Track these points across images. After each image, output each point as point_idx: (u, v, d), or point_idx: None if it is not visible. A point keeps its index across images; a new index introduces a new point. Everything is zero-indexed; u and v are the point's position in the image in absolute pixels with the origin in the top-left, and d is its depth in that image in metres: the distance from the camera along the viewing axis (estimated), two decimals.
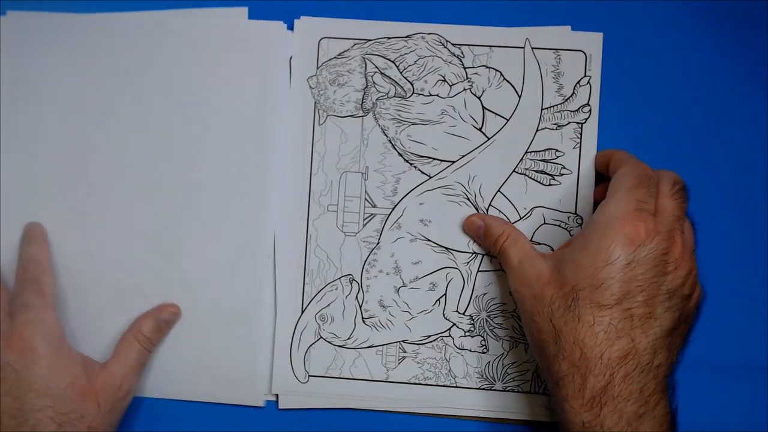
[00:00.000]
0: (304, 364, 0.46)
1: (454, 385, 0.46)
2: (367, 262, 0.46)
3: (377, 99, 0.46)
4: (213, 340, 0.46)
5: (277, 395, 0.46)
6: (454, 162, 0.46)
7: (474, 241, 0.45)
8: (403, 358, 0.46)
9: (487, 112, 0.46)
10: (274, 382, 0.46)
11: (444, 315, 0.46)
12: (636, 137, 0.46)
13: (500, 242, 0.43)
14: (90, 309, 0.46)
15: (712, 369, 0.45)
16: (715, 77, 0.46)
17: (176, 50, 0.47)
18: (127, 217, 0.47)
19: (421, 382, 0.46)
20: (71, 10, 0.47)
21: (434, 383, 0.46)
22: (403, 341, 0.46)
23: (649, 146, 0.46)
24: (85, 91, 0.47)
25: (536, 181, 0.46)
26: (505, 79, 0.46)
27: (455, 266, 0.46)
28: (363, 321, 0.46)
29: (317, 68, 0.46)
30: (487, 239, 0.44)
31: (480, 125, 0.46)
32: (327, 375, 0.46)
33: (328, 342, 0.46)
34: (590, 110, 0.45)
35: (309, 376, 0.46)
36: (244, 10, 0.47)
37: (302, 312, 0.46)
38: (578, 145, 0.46)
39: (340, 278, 0.46)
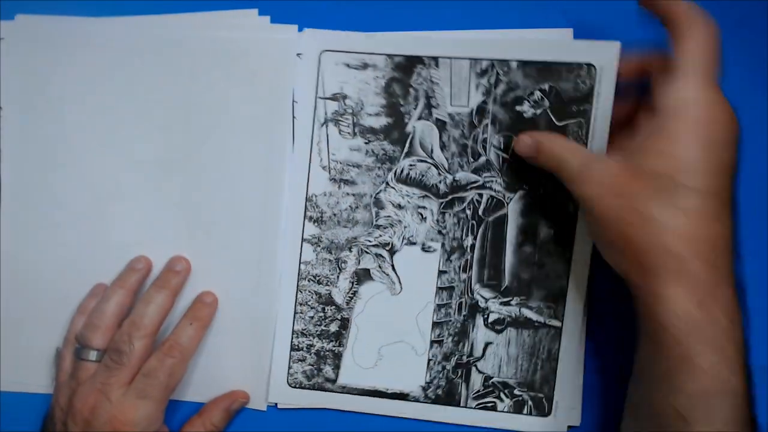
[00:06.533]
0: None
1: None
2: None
3: None
4: (221, 346, 0.47)
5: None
6: None
7: (527, 160, 0.42)
8: None
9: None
10: (271, 391, 0.47)
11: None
12: None
13: (554, 151, 0.40)
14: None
15: None
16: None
17: (188, 55, 0.46)
18: (133, 222, 0.47)
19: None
20: (79, 13, 0.47)
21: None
22: None
23: None
24: (91, 94, 0.47)
25: None
26: None
27: None
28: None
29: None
30: (541, 155, 0.41)
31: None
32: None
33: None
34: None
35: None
36: (254, 12, 0.47)
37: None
38: None
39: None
